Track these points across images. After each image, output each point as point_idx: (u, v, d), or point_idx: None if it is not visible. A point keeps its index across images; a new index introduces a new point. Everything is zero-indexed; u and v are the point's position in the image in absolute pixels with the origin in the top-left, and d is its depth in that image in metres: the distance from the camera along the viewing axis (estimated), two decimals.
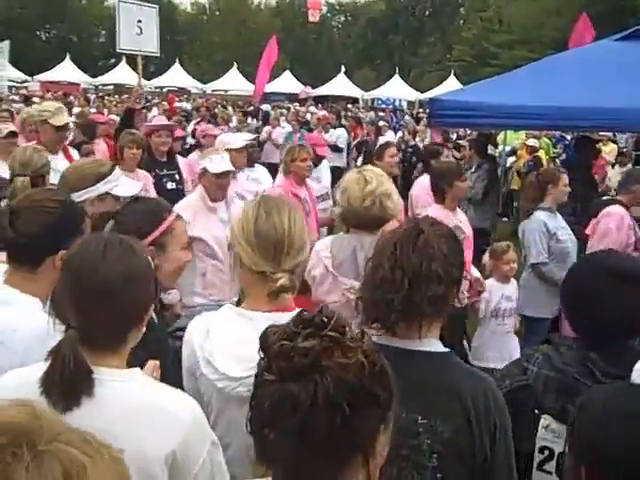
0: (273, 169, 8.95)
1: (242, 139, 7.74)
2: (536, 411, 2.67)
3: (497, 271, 6.33)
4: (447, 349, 2.29)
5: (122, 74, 46.52)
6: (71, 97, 27.84)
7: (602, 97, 6.48)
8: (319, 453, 1.36)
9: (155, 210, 3.08)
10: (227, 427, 2.49)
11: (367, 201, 3.85)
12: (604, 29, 12.98)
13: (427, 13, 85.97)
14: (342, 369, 1.37)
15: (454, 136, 17.52)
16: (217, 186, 5.46)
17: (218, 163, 5.46)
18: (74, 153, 6.85)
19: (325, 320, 1.45)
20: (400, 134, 18.15)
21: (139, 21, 9.16)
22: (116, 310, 2.03)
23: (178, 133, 10.26)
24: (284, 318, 2.33)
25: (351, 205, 3.87)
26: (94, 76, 47.57)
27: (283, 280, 2.45)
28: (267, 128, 16.73)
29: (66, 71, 45.19)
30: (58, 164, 6.01)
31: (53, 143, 6.24)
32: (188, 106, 28.94)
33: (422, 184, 7.31)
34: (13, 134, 6.47)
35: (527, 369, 2.73)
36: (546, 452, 2.65)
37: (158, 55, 9.86)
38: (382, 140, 14.88)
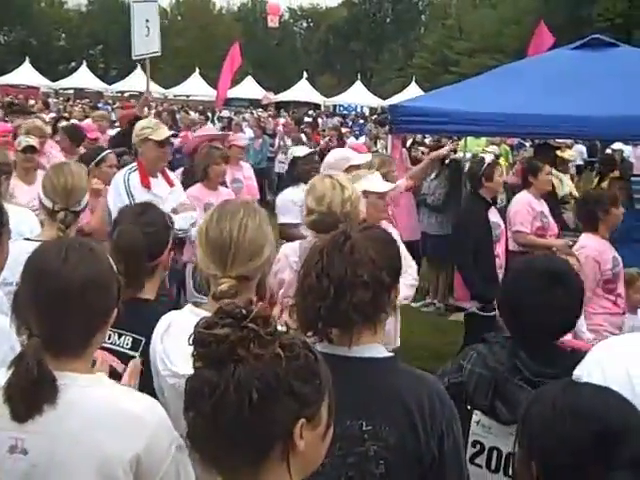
0: None
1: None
2: (468, 407, 2.76)
3: (628, 301, 5.73)
4: (390, 354, 2.26)
5: (82, 78, 46.30)
6: (31, 101, 27.41)
7: (560, 105, 6.57)
8: (233, 438, 1.42)
9: None
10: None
11: (347, 206, 3.88)
12: (562, 39, 13.14)
13: (388, 20, 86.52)
14: (255, 359, 1.42)
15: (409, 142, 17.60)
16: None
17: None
18: (171, 174, 6.36)
19: (245, 312, 1.49)
20: (363, 140, 18.20)
21: (147, 20, 8.74)
22: (79, 314, 2.02)
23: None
24: None
25: (332, 211, 3.86)
26: (54, 80, 47.06)
27: (223, 286, 2.44)
28: (230, 133, 16.64)
29: (25, 75, 44.62)
30: (160, 189, 5.83)
31: (156, 161, 5.85)
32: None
33: (521, 200, 7.30)
34: (32, 149, 6.44)
35: (462, 367, 2.83)
36: (478, 446, 2.76)
37: (159, 54, 9.47)
38: (349, 145, 14.99)
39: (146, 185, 5.72)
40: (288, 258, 4.00)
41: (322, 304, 2.10)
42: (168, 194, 5.82)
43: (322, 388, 1.53)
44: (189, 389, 1.49)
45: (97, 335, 2.12)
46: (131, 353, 2.85)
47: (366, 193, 4.54)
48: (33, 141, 6.48)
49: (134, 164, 5.89)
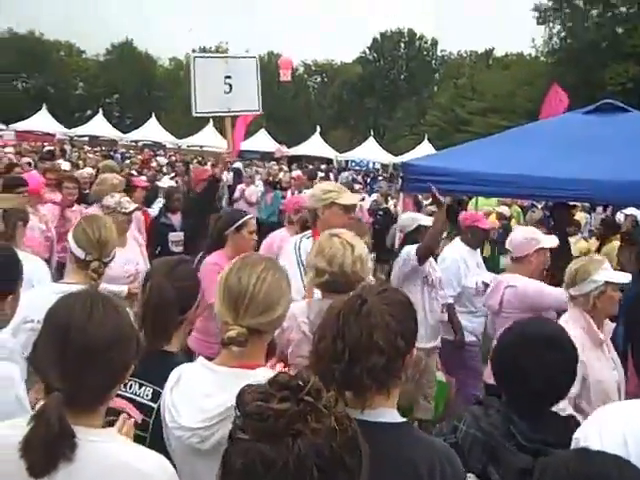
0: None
1: None
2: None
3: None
4: (402, 419, 2.25)
5: (97, 126, 46.84)
6: (46, 147, 27.75)
7: (571, 168, 6.57)
8: None
9: None
10: (191, 477, 2.48)
11: (357, 265, 3.87)
12: (574, 101, 13.25)
13: (402, 77, 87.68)
14: (314, 434, 1.40)
15: (428, 201, 17.64)
16: None
17: None
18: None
19: (301, 384, 1.48)
20: (375, 197, 18.24)
21: (228, 77, 7.91)
22: (102, 372, 2.03)
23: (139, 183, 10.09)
24: (247, 375, 2.38)
25: (343, 271, 3.83)
26: (70, 127, 47.68)
27: (231, 332, 2.44)
28: (241, 186, 16.70)
29: (42, 121, 45.30)
30: None
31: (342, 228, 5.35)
32: (164, 160, 29.01)
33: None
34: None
35: (457, 428, 2.82)
36: None
37: (260, 112, 8.61)
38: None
39: None
40: (297, 318, 3.96)
41: (337, 367, 2.09)
42: None
43: (362, 459, 1.53)
44: (240, 465, 1.44)
45: (114, 390, 2.15)
46: (151, 404, 2.86)
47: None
48: (132, 205, 6.52)
49: (308, 232, 5.30)
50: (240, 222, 5.81)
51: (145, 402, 2.89)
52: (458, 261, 7.35)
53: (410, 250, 6.35)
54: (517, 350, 2.83)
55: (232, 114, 8.18)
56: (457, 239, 7.73)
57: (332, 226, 4.83)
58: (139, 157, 25.96)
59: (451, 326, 7.06)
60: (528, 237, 5.69)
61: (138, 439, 2.47)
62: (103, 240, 4.13)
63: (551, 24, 58.97)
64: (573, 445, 2.02)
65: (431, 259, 6.57)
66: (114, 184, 7.51)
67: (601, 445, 1.86)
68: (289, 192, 16.69)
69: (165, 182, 15.53)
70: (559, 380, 2.81)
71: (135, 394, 2.92)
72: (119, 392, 2.77)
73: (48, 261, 6.60)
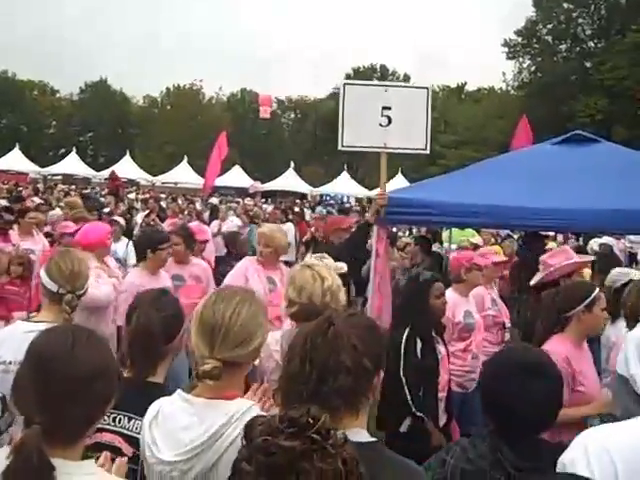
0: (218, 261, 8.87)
1: None
2: None
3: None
4: (372, 439, 2.25)
5: (71, 165, 46.61)
6: (20, 187, 27.61)
7: (543, 198, 6.63)
8: None
9: None
10: None
11: (327, 297, 3.89)
12: (544, 133, 13.46)
13: None
14: (319, 474, 1.40)
15: (406, 234, 17.72)
16: None
17: None
18: None
19: (311, 421, 1.47)
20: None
21: (386, 108, 6.77)
22: (83, 405, 2.02)
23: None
24: (224, 406, 2.40)
25: (312, 302, 3.86)
26: (43, 166, 47.45)
27: (206, 366, 2.44)
28: (217, 222, 16.71)
29: (15, 161, 44.96)
30: None
31: None
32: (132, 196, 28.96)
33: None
34: None
35: (445, 461, 2.80)
36: None
37: (427, 152, 7.21)
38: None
39: None
40: (269, 347, 4.00)
41: (305, 388, 2.09)
42: None
43: None
44: None
45: (95, 424, 2.13)
46: (140, 437, 2.82)
47: None
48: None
49: None
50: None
51: (134, 435, 2.87)
52: None
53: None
54: (501, 379, 2.83)
55: (388, 151, 6.92)
56: None
57: None
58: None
59: None
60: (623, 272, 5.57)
61: (129, 472, 2.46)
62: (75, 272, 4.14)
63: (521, 59, 60.15)
64: (560, 469, 2.01)
65: None
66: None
67: (588, 466, 1.87)
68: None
69: (139, 218, 15.51)
70: (544, 408, 2.80)
71: (125, 428, 2.91)
72: (109, 427, 2.81)
73: None
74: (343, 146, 6.86)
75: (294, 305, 3.92)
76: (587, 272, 9.63)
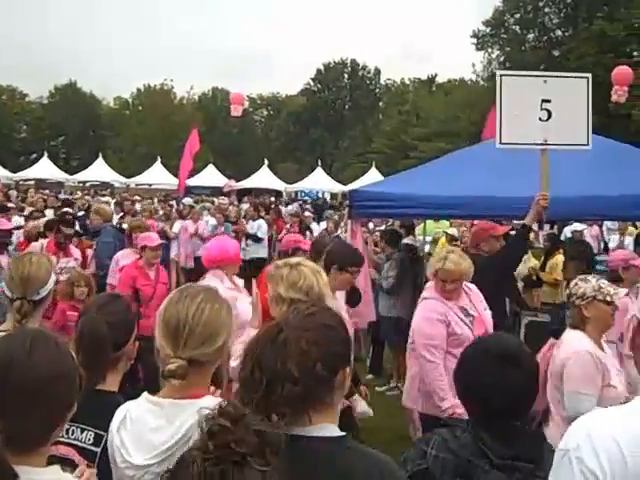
0: (199, 262, 8.80)
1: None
2: None
3: None
4: (340, 433, 2.20)
5: (43, 169, 46.11)
6: None
7: (513, 187, 6.69)
8: None
9: None
10: None
11: (327, 289, 3.91)
12: None
13: (347, 107, 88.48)
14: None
15: (379, 227, 17.74)
16: None
17: None
18: None
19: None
20: (324, 225, 18.36)
21: (546, 101, 6.18)
22: (42, 409, 1.98)
23: None
24: (192, 405, 2.37)
25: (320, 299, 3.74)
26: (15, 171, 46.97)
27: (171, 366, 2.44)
28: (189, 222, 16.60)
29: None
30: None
31: None
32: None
33: None
34: None
35: (426, 453, 2.79)
36: None
37: (588, 148, 6.40)
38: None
39: None
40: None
41: (254, 396, 2.05)
42: None
43: None
44: None
45: (57, 430, 2.09)
46: (94, 449, 2.81)
47: None
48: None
49: None
50: None
51: (87, 447, 2.83)
52: None
53: None
54: (476, 368, 2.85)
55: (549, 147, 6.25)
56: None
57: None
58: (86, 197, 25.57)
59: None
60: None
61: None
62: (25, 277, 3.91)
63: (489, 49, 60.33)
64: (559, 457, 1.93)
65: None
66: None
67: (595, 455, 1.82)
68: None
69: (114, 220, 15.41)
70: (520, 397, 2.81)
71: (77, 439, 2.85)
72: (63, 439, 2.72)
73: None
74: (501, 143, 6.32)
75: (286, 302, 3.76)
76: (560, 258, 9.76)
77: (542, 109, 6.18)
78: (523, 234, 6.58)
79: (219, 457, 1.74)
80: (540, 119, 6.17)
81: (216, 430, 1.80)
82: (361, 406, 5.46)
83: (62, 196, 28.95)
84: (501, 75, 6.43)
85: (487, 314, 5.76)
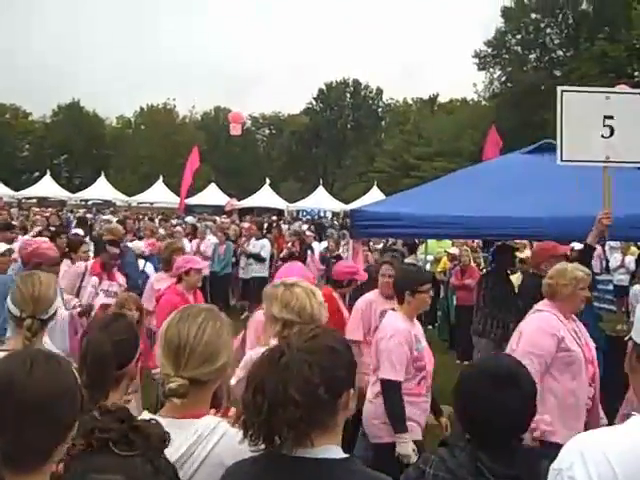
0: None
1: None
2: None
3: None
4: (344, 455, 2.19)
5: (46, 187, 46.19)
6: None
7: (515, 207, 6.72)
8: None
9: None
10: None
11: (321, 310, 3.91)
12: (515, 142, 13.58)
13: (349, 126, 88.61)
14: None
15: (379, 246, 17.73)
16: None
17: None
18: None
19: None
20: (325, 244, 18.39)
21: (608, 117, 6.08)
22: (43, 429, 1.96)
23: None
24: (193, 424, 2.41)
25: (314, 320, 3.79)
26: (17, 189, 47.06)
27: (172, 384, 2.45)
28: (196, 241, 16.80)
29: None
30: None
31: None
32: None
33: None
34: None
35: (424, 472, 2.80)
36: None
37: None
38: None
39: None
40: (247, 366, 3.96)
41: (256, 420, 2.06)
42: None
43: None
44: None
45: (59, 448, 2.04)
46: None
47: None
48: None
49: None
50: None
51: None
52: None
53: None
54: (475, 388, 2.85)
55: (611, 165, 6.16)
56: None
57: None
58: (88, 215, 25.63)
59: None
60: None
61: None
62: (36, 296, 3.97)
63: (491, 69, 60.63)
64: (553, 476, 1.92)
65: None
66: None
67: (585, 468, 1.83)
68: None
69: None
70: (518, 416, 2.81)
71: None
72: None
73: None
74: (563, 160, 6.15)
75: (293, 326, 3.69)
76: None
77: (605, 125, 6.10)
78: (589, 254, 6.34)
79: (84, 444, 1.88)
80: (602, 136, 6.10)
81: (86, 420, 1.94)
82: (404, 448, 5.22)
83: (64, 215, 28.98)
84: (562, 91, 6.32)
85: (591, 343, 5.57)
